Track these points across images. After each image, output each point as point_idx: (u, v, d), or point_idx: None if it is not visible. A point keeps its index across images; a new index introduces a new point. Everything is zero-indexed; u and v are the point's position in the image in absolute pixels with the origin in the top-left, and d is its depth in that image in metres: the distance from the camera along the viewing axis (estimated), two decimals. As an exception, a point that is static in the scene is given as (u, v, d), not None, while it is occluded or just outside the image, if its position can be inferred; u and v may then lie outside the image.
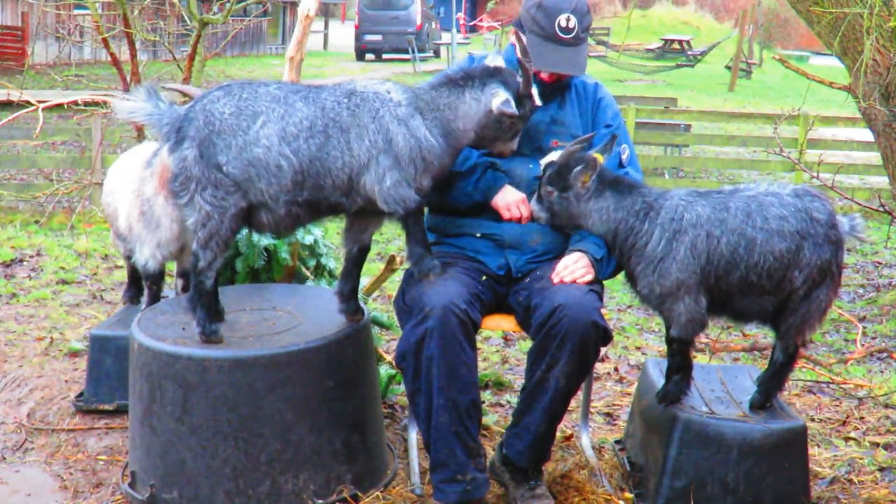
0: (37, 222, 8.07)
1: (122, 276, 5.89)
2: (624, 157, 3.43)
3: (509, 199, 3.31)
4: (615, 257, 3.22)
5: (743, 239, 3.02)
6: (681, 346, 3.19)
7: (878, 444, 3.97)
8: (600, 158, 3.11)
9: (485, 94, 3.00)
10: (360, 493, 3.22)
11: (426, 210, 3.58)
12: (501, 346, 5.29)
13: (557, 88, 3.43)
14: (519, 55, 3.03)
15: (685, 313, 3.08)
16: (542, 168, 3.16)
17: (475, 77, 3.03)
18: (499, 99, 2.98)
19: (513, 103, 2.98)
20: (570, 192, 3.09)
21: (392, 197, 2.96)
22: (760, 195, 3.08)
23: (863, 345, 5.40)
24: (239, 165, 2.91)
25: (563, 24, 3.26)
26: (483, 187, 3.34)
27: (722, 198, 3.09)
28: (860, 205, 5.82)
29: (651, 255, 3.06)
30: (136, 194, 3.73)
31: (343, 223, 3.22)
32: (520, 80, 3.02)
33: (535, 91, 3.07)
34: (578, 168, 3.06)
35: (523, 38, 3.11)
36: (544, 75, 3.36)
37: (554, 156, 3.14)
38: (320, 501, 3.14)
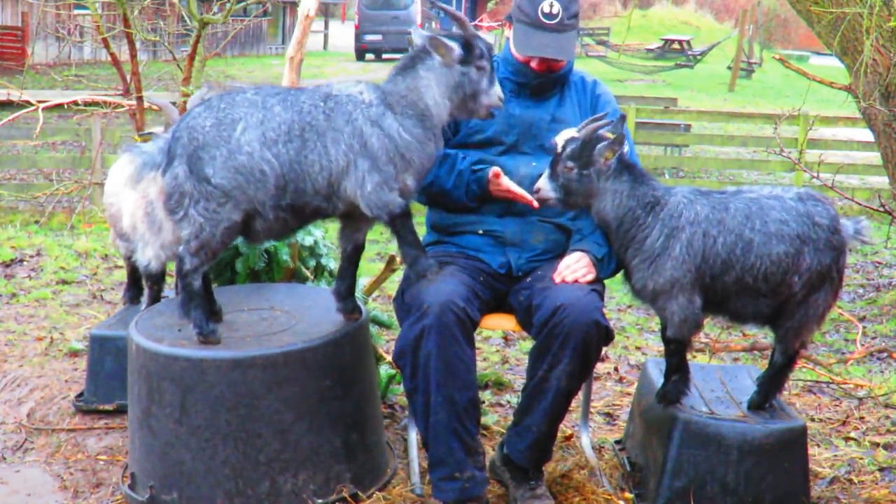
0: (37, 222, 8.07)
1: (122, 276, 5.88)
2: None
3: (509, 186, 3.28)
4: (613, 247, 3.19)
5: (740, 240, 3.01)
6: (678, 346, 3.18)
7: (878, 444, 3.97)
8: None
9: (434, 59, 2.95)
10: (359, 493, 3.22)
11: (426, 208, 3.59)
12: (501, 346, 5.29)
13: (556, 84, 3.43)
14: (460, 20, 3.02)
15: (679, 313, 3.07)
16: (559, 145, 3.10)
17: (419, 52, 2.99)
18: (447, 46, 2.92)
19: (460, 30, 2.95)
20: (591, 169, 3.06)
21: (374, 202, 2.94)
22: (763, 198, 3.06)
23: (863, 345, 5.40)
24: (226, 175, 2.91)
25: (547, 9, 3.27)
26: (474, 185, 3.32)
27: (723, 198, 3.08)
28: (860, 205, 5.81)
29: (649, 249, 3.05)
30: (140, 194, 3.72)
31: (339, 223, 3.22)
32: (457, 30, 2.98)
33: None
34: (604, 144, 3.04)
35: (466, 19, 3.10)
36: (534, 64, 3.35)
37: (573, 132, 3.11)
38: (320, 501, 3.14)
